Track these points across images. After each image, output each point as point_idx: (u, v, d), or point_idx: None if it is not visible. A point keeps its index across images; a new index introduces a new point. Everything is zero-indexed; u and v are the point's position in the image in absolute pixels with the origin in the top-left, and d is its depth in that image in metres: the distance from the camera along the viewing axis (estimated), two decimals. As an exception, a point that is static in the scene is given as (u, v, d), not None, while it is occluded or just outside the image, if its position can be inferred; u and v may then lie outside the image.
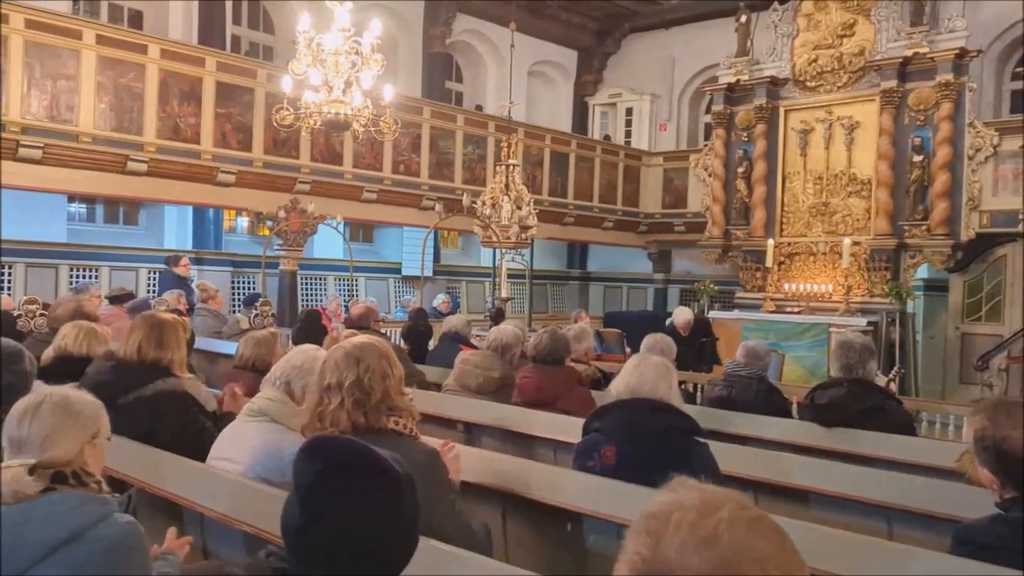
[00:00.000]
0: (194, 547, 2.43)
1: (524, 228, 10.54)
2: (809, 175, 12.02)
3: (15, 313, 5.67)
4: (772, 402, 4.61)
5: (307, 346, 3.06)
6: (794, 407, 5.09)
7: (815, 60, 11.85)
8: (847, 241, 11.07)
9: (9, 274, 10.32)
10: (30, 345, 4.80)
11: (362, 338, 2.59)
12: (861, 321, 10.52)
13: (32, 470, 1.83)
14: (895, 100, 11.03)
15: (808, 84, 11.94)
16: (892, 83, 10.98)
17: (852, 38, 11.54)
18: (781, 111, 12.23)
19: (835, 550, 2.23)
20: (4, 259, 10.24)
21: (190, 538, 2.26)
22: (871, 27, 11.37)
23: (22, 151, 8.33)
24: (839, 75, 11.64)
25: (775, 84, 12.17)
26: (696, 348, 8.85)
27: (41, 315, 5.52)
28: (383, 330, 7.87)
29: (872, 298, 11.14)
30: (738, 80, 12.48)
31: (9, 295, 8.61)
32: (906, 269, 11.15)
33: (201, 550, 2.65)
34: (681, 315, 9.06)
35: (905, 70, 10.99)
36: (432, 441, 2.68)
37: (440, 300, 12.59)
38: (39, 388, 2.17)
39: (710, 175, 13.19)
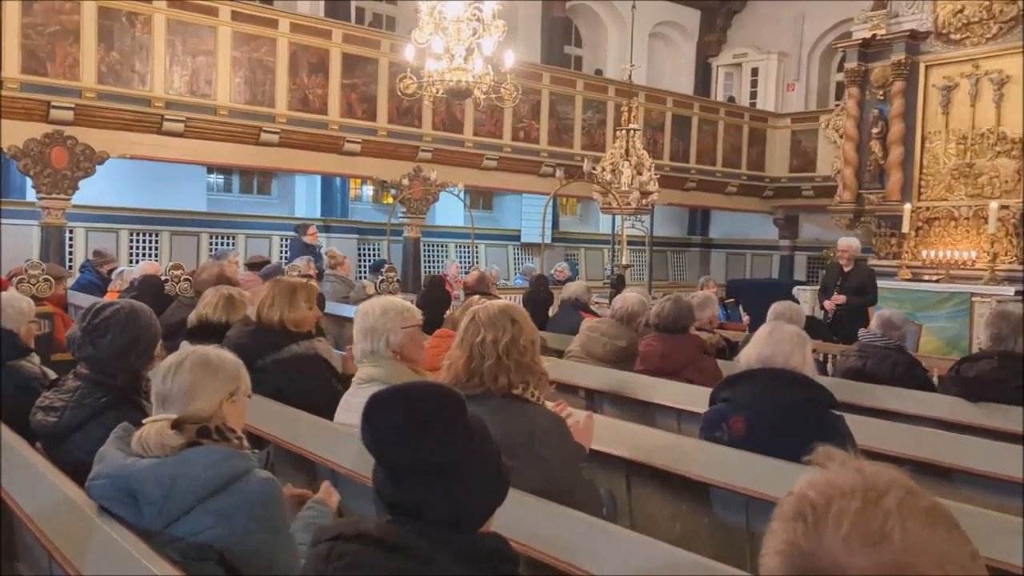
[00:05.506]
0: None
1: (645, 194, 10.37)
2: (952, 135, 11.22)
3: (162, 278, 5.99)
4: (912, 375, 4.36)
5: (361, 308, 2.99)
6: (934, 380, 4.83)
7: (961, 11, 11.00)
8: (994, 205, 10.28)
9: (155, 241, 11.01)
10: (176, 308, 5.10)
11: (504, 302, 2.59)
12: (1009, 290, 9.80)
13: (175, 424, 1.92)
14: (1053, 51, 10.14)
15: (952, 37, 11.11)
16: (1049, 32, 10.10)
17: (1004, -15, 10.65)
18: (921, 67, 11.44)
19: (986, 532, 2.08)
20: (152, 227, 10.93)
21: (335, 493, 2.34)
22: (1026, -28, 10.46)
23: (166, 125, 8.79)
24: (988, 26, 10.76)
25: (915, 38, 11.40)
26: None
27: (185, 280, 5.82)
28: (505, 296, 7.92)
29: (1021, 265, 10.38)
30: (874, 35, 11.76)
31: (156, 261, 9.16)
32: (1062, 234, 10.31)
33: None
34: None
35: (1065, 18, 10.07)
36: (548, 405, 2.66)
37: (557, 268, 12.58)
38: (184, 347, 2.26)
39: (842, 136, 12.55)
